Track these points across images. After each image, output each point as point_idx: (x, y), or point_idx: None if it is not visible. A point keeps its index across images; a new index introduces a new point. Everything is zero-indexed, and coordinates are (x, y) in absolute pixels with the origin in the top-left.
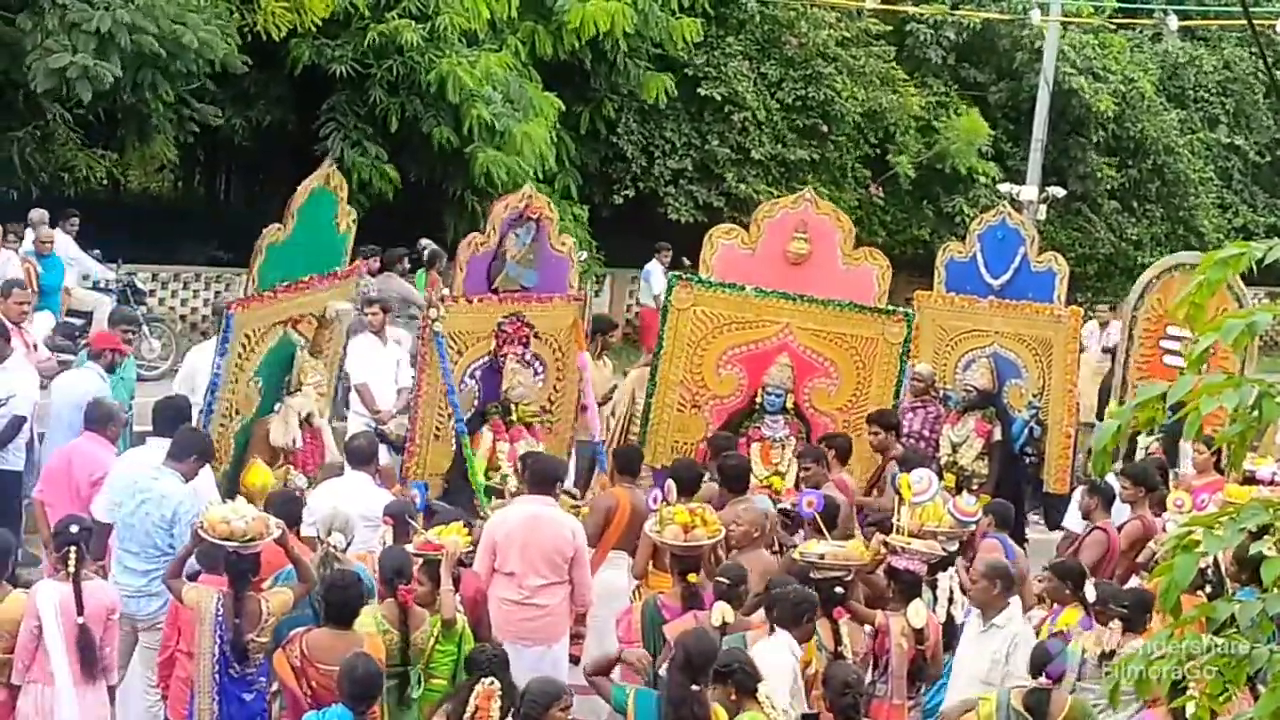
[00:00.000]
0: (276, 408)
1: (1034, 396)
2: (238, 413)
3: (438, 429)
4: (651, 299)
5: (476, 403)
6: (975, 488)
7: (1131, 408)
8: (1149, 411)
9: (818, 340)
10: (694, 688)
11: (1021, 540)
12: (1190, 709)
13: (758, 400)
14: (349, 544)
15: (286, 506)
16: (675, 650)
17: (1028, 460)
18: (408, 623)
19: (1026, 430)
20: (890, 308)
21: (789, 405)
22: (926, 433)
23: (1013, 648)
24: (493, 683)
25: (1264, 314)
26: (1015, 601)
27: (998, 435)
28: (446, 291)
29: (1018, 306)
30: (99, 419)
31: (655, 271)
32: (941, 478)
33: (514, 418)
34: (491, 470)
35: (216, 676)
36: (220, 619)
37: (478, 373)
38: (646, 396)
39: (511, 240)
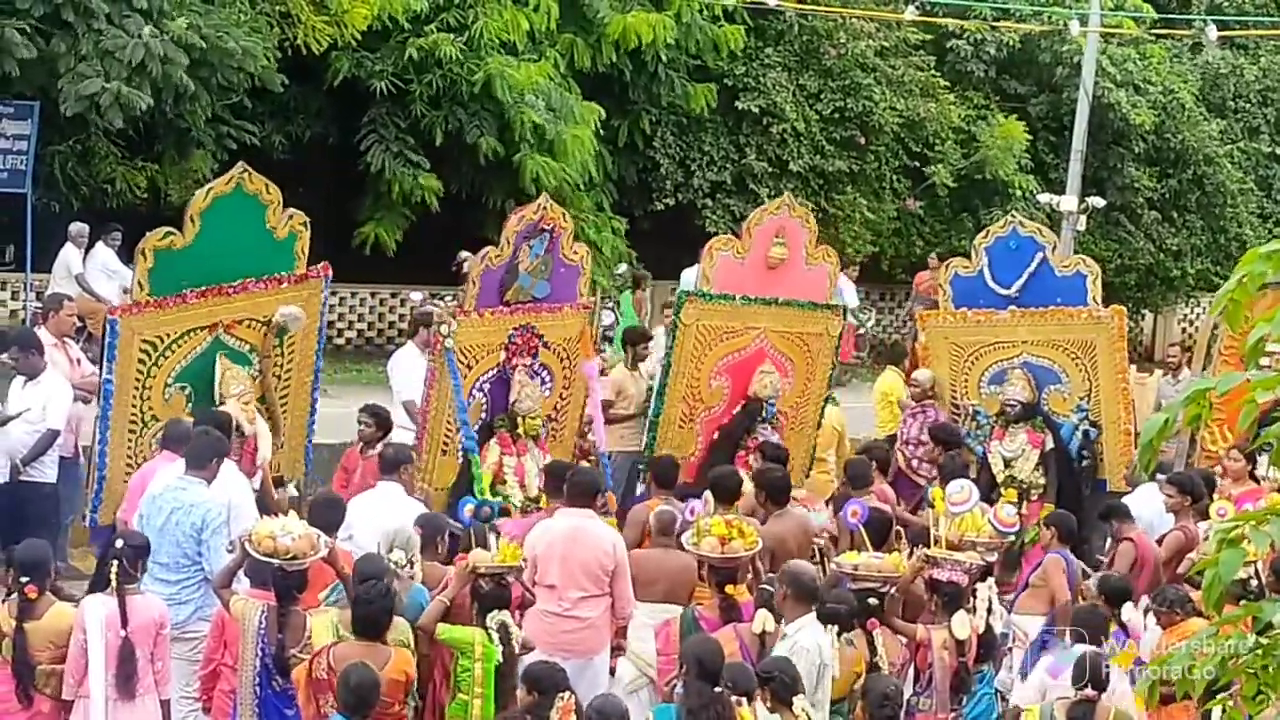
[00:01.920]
0: None
1: (1081, 399)
2: (155, 420)
3: (445, 442)
4: None
5: (484, 415)
6: (1035, 499)
7: (1180, 403)
8: (1196, 408)
9: (785, 342)
10: (715, 690)
11: (1080, 546)
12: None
13: (758, 413)
14: (410, 561)
15: (327, 513)
16: (685, 661)
17: (1084, 462)
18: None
19: (1080, 433)
20: (834, 304)
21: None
22: (925, 438)
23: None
24: (568, 697)
25: None
26: (807, 619)
27: (1050, 443)
28: (455, 305)
29: (1046, 313)
30: (175, 438)
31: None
32: (996, 492)
33: (520, 431)
34: (498, 484)
35: (258, 689)
36: (264, 632)
37: (486, 385)
38: (654, 413)
39: (525, 252)
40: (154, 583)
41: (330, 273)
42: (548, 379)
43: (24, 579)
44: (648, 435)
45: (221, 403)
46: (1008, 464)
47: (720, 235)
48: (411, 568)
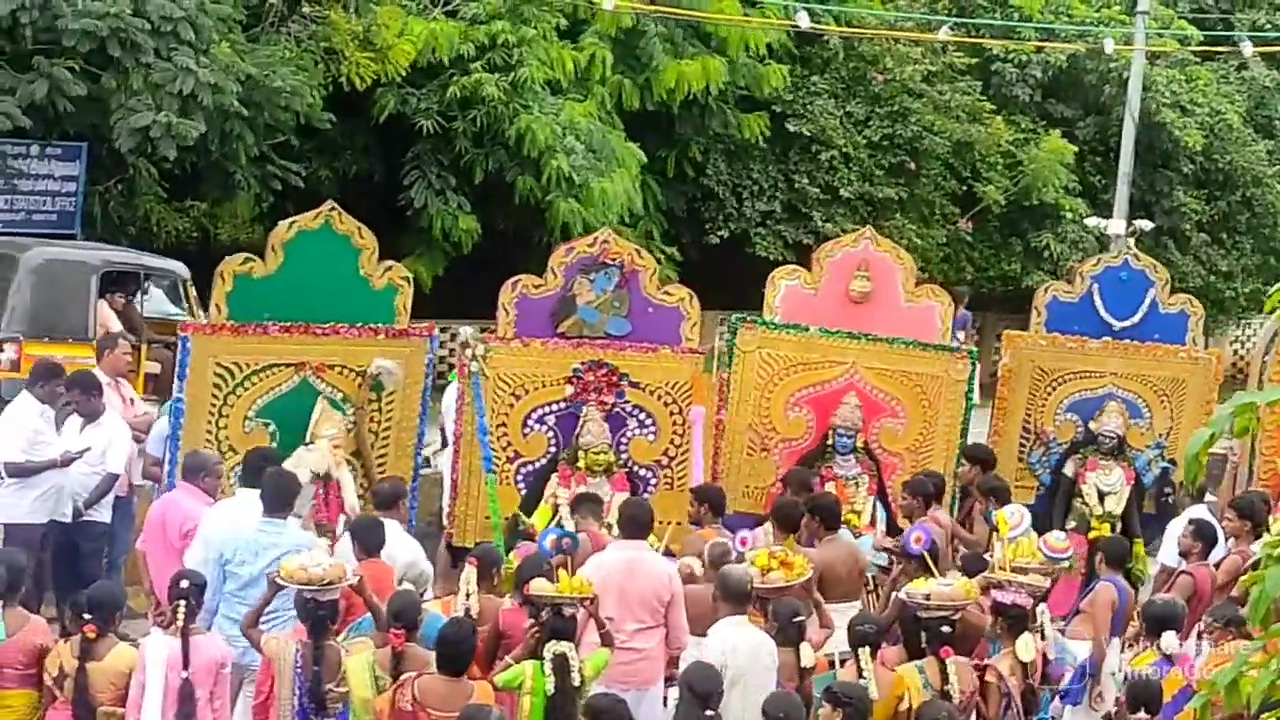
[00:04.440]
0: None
1: (1160, 435)
2: (233, 450)
3: (504, 472)
4: None
5: (551, 449)
6: (1119, 530)
7: (1226, 415)
8: (1244, 420)
9: (883, 379)
10: (707, 713)
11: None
12: None
13: (829, 441)
14: (423, 595)
15: (369, 535)
16: (680, 687)
17: (1165, 498)
18: (400, 668)
19: (1159, 469)
20: (953, 345)
21: (859, 445)
22: None
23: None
24: None
25: None
26: (728, 621)
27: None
28: (487, 332)
29: (1142, 348)
30: (193, 469)
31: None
32: (1090, 526)
33: (582, 465)
34: (554, 516)
35: None
36: (299, 669)
37: (550, 418)
38: (715, 442)
39: (585, 285)
40: (233, 625)
41: (435, 331)
42: (650, 424)
43: (86, 617)
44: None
45: (312, 442)
46: (1102, 497)
47: (783, 265)
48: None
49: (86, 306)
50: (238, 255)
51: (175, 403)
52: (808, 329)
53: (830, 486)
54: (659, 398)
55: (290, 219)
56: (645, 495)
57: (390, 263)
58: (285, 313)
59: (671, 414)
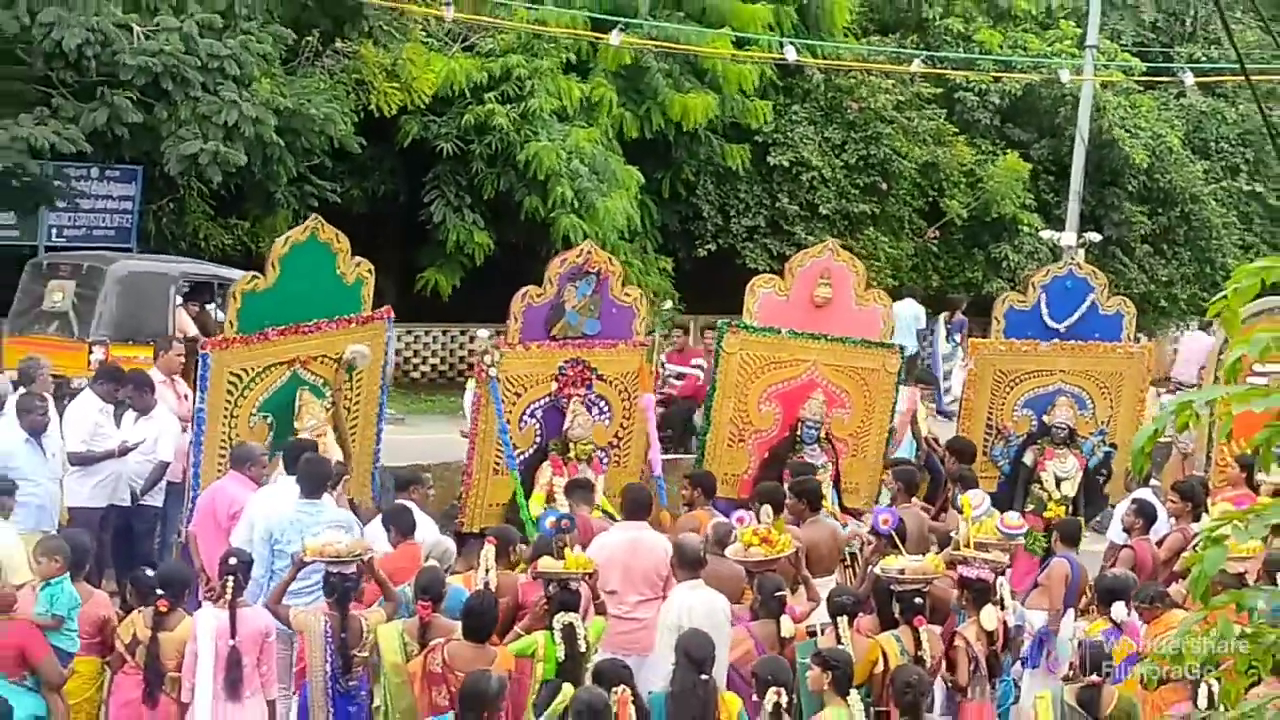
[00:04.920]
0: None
1: (1102, 424)
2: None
3: (496, 463)
4: None
5: (538, 439)
6: (1070, 511)
7: (1168, 413)
8: (1185, 416)
9: (838, 374)
10: (701, 677)
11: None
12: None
13: (797, 433)
14: (447, 569)
15: (402, 519)
16: (677, 653)
17: (1101, 478)
18: (427, 636)
19: (1102, 453)
20: (890, 342)
21: (822, 435)
22: None
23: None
24: (623, 690)
25: None
26: (685, 585)
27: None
28: (500, 338)
29: (1086, 346)
30: (239, 459)
31: None
32: (1021, 502)
33: (572, 454)
34: (549, 502)
35: (329, 691)
36: (329, 637)
37: (538, 412)
38: (700, 434)
39: (571, 292)
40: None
41: (393, 314)
42: (606, 409)
43: (159, 592)
44: (696, 452)
45: (296, 433)
46: (1059, 483)
47: (761, 274)
48: (487, 573)
49: (166, 313)
50: (245, 274)
51: (198, 412)
52: (779, 331)
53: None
54: (616, 387)
55: (285, 235)
56: (602, 472)
57: (359, 259)
58: (282, 318)
59: (623, 401)
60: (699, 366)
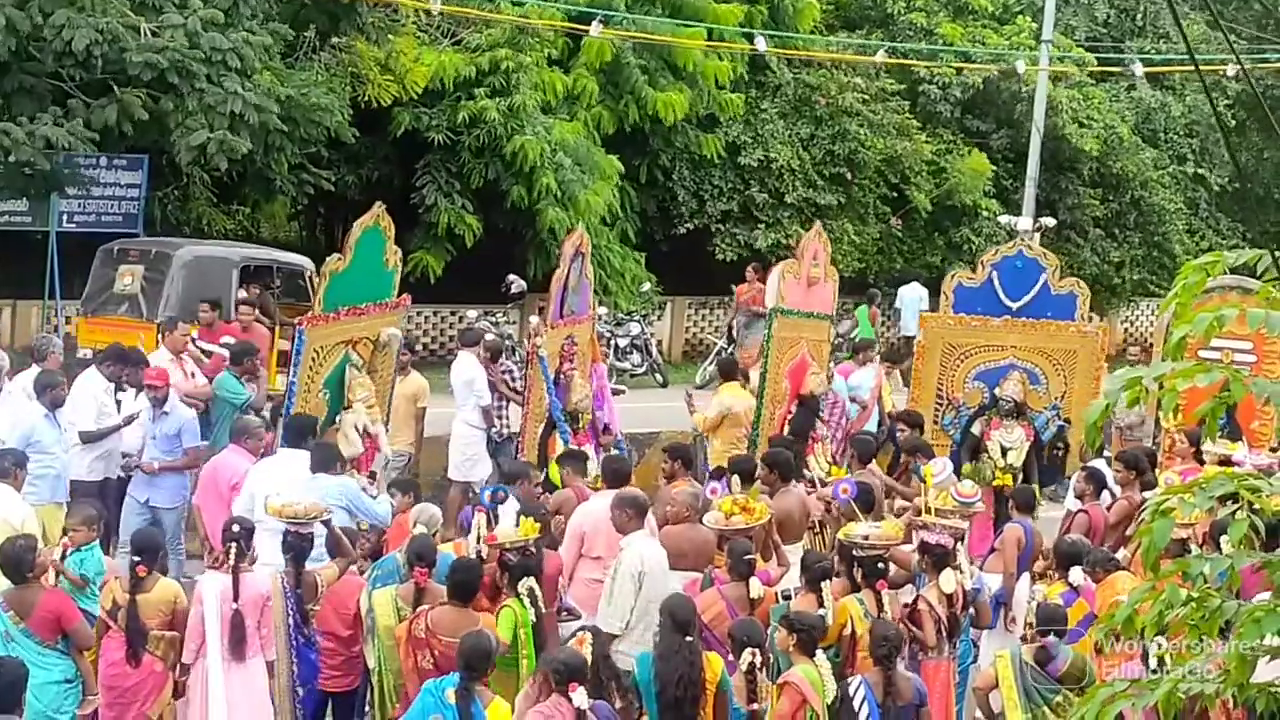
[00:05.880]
0: (337, 420)
1: (1056, 399)
2: None
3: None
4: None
5: (549, 413)
6: (1019, 479)
7: (1118, 388)
8: (1134, 392)
9: (814, 349)
10: (686, 639)
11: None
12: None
13: (818, 410)
14: (436, 535)
15: (407, 486)
16: (662, 614)
17: (1059, 451)
18: (421, 601)
19: (1056, 428)
20: (829, 314)
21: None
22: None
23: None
24: (584, 630)
25: (1231, 309)
26: (637, 535)
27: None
28: (541, 321)
29: (1037, 325)
30: (239, 433)
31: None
32: (995, 479)
33: (580, 425)
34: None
35: (292, 641)
36: (288, 594)
37: (552, 387)
38: (755, 415)
39: (573, 273)
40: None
41: (410, 301)
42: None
43: (136, 558)
44: (752, 432)
45: (349, 406)
46: (1005, 452)
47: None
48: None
49: (229, 295)
50: (334, 255)
51: (290, 385)
52: (794, 312)
53: (819, 447)
54: (583, 358)
55: (359, 220)
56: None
57: (395, 247)
58: (347, 300)
59: (585, 370)
60: (227, 345)
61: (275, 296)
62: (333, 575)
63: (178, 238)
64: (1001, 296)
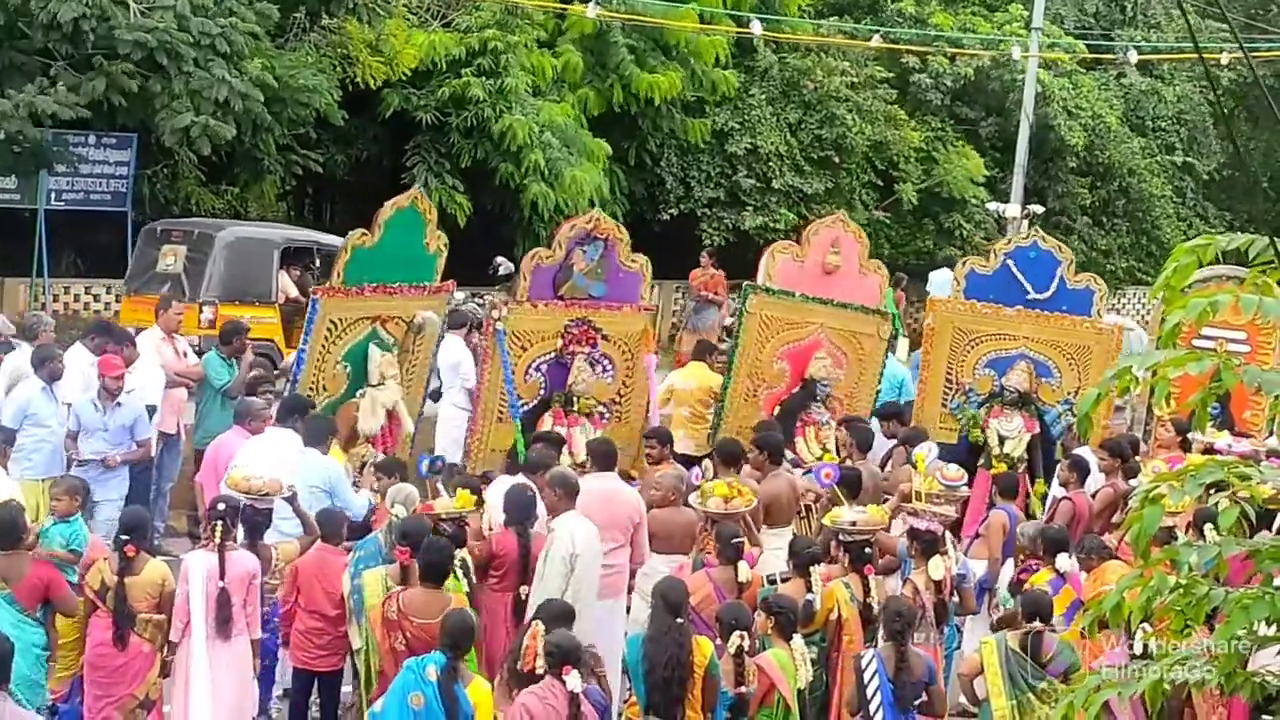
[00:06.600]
0: (358, 394)
1: (1070, 394)
2: (324, 389)
3: (500, 413)
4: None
5: (541, 392)
6: (1022, 471)
7: (1109, 379)
8: (1125, 381)
9: (840, 337)
10: (677, 621)
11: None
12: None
13: (814, 392)
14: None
15: (391, 465)
16: (654, 597)
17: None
18: (407, 580)
19: (1064, 423)
20: (882, 310)
21: (828, 394)
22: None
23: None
24: (538, 624)
25: (1225, 295)
26: (569, 514)
27: (1037, 428)
28: (506, 296)
29: (1051, 317)
30: (242, 414)
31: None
32: (991, 466)
33: (575, 408)
34: None
35: None
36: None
37: (543, 367)
38: (722, 389)
39: (579, 255)
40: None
41: (454, 288)
42: (609, 368)
43: (124, 538)
44: (716, 406)
45: (382, 382)
46: (1002, 441)
47: (781, 240)
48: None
49: (270, 276)
50: (357, 230)
51: (299, 353)
52: (794, 294)
53: (810, 430)
54: (619, 347)
55: (392, 200)
56: (602, 427)
57: (439, 232)
58: (375, 277)
59: (625, 360)
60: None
61: (315, 278)
62: (292, 551)
63: (221, 219)
64: (1025, 284)
